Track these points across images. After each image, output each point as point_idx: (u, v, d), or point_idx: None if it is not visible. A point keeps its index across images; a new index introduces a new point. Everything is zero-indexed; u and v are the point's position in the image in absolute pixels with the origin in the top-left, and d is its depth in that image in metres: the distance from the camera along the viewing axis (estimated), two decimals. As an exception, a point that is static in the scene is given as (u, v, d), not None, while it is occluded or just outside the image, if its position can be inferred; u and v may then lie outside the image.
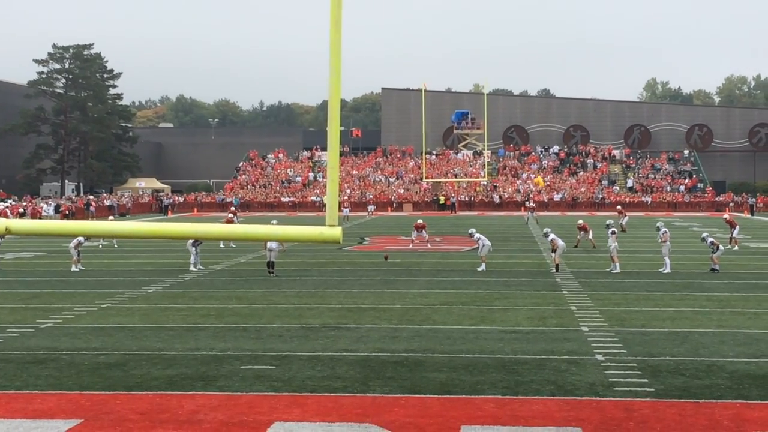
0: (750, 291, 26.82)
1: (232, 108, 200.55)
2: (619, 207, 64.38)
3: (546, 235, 35.05)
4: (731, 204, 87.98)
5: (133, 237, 4.72)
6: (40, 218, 67.73)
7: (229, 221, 47.02)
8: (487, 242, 33.45)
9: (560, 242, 32.77)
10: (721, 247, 32.72)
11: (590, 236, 42.02)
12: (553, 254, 33.30)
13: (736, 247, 41.23)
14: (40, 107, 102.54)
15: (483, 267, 32.61)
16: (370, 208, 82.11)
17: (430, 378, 15.30)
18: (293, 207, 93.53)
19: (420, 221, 45.88)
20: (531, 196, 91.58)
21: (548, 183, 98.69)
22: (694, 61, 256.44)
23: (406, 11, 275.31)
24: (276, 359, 16.86)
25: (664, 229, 33.73)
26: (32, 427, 12.57)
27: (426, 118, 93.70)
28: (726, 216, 45.57)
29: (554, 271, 32.04)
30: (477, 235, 34.26)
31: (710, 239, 32.64)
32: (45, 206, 77.45)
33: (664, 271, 31.62)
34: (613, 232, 33.90)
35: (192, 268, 33.10)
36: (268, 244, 31.58)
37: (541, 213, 77.10)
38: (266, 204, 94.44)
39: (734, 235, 42.10)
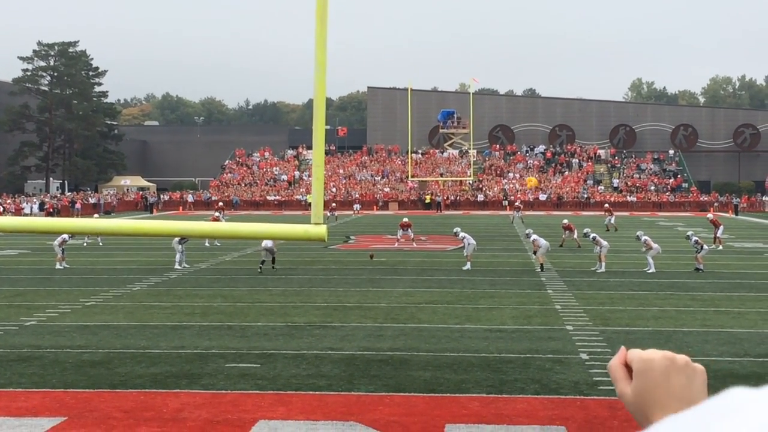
0: (734, 290, 26.93)
1: (218, 106, 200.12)
2: (606, 205, 64.62)
3: (528, 236, 35.18)
4: (715, 204, 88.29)
5: (118, 234, 4.69)
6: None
7: (215, 219, 47.00)
8: (472, 241, 33.47)
9: (542, 242, 32.73)
10: (705, 246, 32.90)
11: (575, 236, 42.12)
12: (534, 255, 33.37)
13: (721, 247, 41.42)
14: (24, 104, 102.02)
15: (468, 266, 32.62)
16: (356, 206, 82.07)
17: (415, 376, 15.31)
18: (279, 205, 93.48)
19: (405, 220, 45.91)
20: (515, 195, 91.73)
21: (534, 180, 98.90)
22: (679, 61, 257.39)
23: (392, 10, 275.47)
24: (261, 357, 16.84)
25: (644, 238, 33.67)
26: (16, 425, 12.53)
27: (412, 118, 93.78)
28: (710, 216, 45.73)
29: (539, 270, 32.07)
30: (462, 234, 34.26)
31: (695, 238, 32.87)
32: (26, 204, 77.02)
33: (649, 271, 31.69)
34: (594, 238, 33.84)
35: (177, 266, 33.03)
36: (263, 242, 31.56)
37: (527, 212, 77.21)
38: (252, 202, 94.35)
39: (718, 235, 42.28)
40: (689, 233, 34.22)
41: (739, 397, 1.16)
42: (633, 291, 26.68)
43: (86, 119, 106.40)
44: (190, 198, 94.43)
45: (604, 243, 32.87)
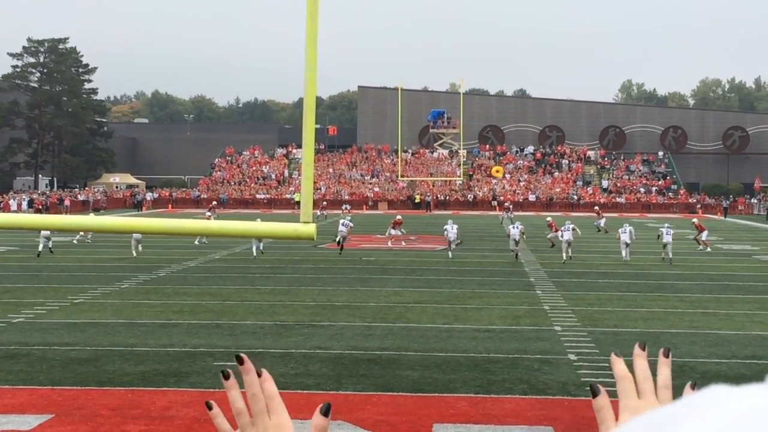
0: (722, 292, 27.01)
1: (207, 104, 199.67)
2: (596, 207, 64.74)
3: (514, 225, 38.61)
4: (699, 206, 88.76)
5: (109, 232, 4.69)
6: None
7: (207, 219, 47.28)
8: (450, 235, 38.01)
9: (512, 230, 36.98)
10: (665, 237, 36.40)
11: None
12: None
13: (709, 249, 41.54)
14: (14, 101, 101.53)
15: (449, 254, 36.91)
16: (346, 206, 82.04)
17: (403, 376, 15.31)
18: (268, 204, 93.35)
19: (399, 217, 46.34)
20: (505, 196, 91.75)
21: (524, 182, 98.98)
22: (669, 63, 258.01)
23: (383, 10, 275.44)
24: (249, 356, 16.66)
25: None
26: (3, 422, 12.49)
27: (402, 117, 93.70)
28: (694, 220, 46.11)
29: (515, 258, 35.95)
30: (445, 227, 38.62)
31: (662, 231, 36.81)
32: (12, 201, 76.74)
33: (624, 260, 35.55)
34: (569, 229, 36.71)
35: (255, 253, 36.74)
36: (339, 227, 39.58)
37: (516, 213, 77.26)
38: (241, 201, 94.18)
39: (702, 238, 42.45)
40: (664, 230, 37.02)
41: (717, 393, 1.13)
42: (621, 292, 26.74)
43: (76, 116, 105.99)
44: (149, 196, 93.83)
45: (566, 236, 35.84)
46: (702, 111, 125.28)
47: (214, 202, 71.94)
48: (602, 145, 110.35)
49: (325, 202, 77.52)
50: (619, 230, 37.34)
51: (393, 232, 44.49)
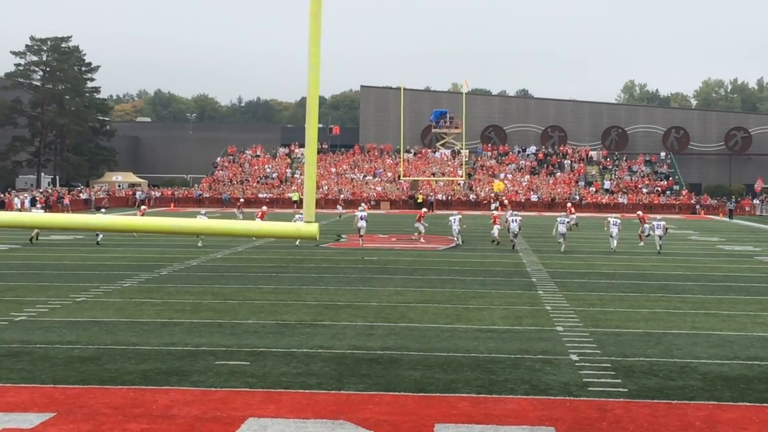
0: (724, 293, 26.99)
1: (210, 103, 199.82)
2: (569, 205, 65.82)
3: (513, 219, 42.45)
4: (697, 207, 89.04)
5: (112, 230, 4.71)
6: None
7: (263, 214, 49.05)
8: (454, 226, 43.11)
9: (512, 224, 41.32)
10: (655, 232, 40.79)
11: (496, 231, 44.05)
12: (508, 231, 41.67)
13: (642, 243, 43.47)
14: (16, 99, 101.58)
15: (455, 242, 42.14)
16: (362, 206, 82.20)
17: (405, 376, 15.31)
18: (270, 203, 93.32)
19: (424, 210, 48.77)
20: (507, 195, 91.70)
21: (526, 182, 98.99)
22: (672, 63, 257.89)
23: (386, 9, 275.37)
24: (251, 355, 16.83)
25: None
26: (5, 420, 12.50)
27: (404, 117, 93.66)
28: (639, 213, 47.84)
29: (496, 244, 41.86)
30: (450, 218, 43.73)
31: (653, 224, 41.01)
32: (17, 200, 76.77)
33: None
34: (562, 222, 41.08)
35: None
36: (359, 222, 43.34)
37: (518, 213, 77.08)
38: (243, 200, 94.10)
39: (645, 233, 43.71)
40: (655, 223, 40.94)
41: None
42: (623, 293, 26.72)
43: (78, 115, 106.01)
44: (139, 195, 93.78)
45: (561, 229, 40.50)
46: (704, 112, 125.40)
47: (242, 200, 72.46)
48: (604, 146, 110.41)
49: (342, 195, 77.98)
50: (609, 219, 42.04)
51: (419, 227, 46.47)
